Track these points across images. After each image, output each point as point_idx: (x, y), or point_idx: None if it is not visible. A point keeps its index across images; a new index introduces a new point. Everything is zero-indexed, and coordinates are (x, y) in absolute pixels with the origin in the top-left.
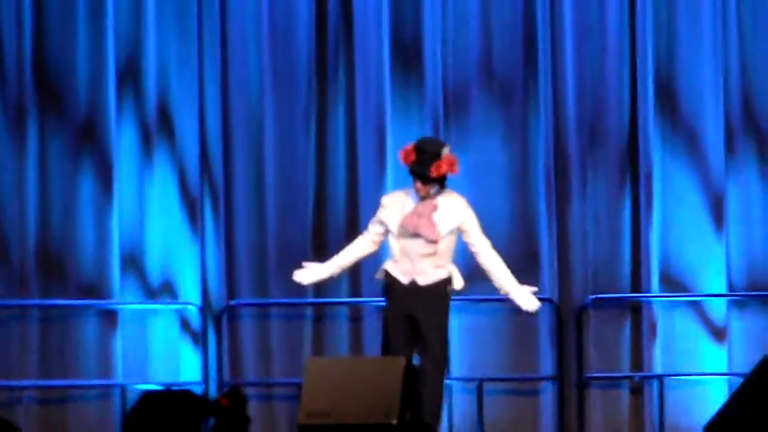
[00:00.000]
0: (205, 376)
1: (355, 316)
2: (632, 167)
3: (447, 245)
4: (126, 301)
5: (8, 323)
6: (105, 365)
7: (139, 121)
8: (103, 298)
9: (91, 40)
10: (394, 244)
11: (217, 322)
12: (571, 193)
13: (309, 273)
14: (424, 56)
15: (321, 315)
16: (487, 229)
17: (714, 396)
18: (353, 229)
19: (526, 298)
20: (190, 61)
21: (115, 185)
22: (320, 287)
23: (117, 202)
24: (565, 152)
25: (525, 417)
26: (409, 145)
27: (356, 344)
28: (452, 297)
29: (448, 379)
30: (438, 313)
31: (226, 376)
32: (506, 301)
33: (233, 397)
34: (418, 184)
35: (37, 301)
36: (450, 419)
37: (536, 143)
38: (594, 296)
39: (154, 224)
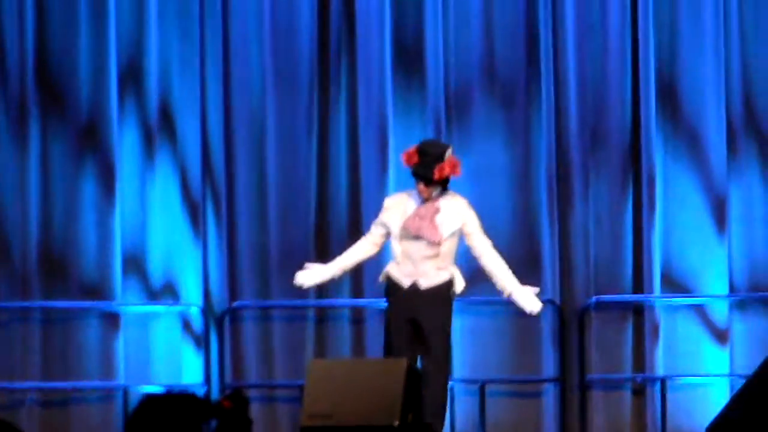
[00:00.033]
0: (207, 377)
1: (357, 318)
2: (634, 169)
3: (449, 247)
4: (128, 302)
5: (10, 325)
6: (107, 367)
7: (141, 122)
8: (105, 300)
9: (93, 41)
10: (396, 247)
11: (219, 324)
12: (573, 195)
13: (310, 275)
14: (425, 58)
15: (323, 317)
16: (489, 231)
17: (716, 398)
18: (355, 231)
19: (528, 300)
20: (191, 62)
21: (117, 187)
22: (322, 289)
23: (119, 204)
24: (567, 154)
25: (527, 419)
26: (412, 147)
27: (358, 346)
28: (454, 299)
29: (451, 380)
30: (440, 315)
31: (228, 378)
32: (508, 303)
33: (235, 399)
34: (421, 186)
35: (39, 303)
36: (452, 421)
37: (538, 145)
38: (596, 298)
39: (156, 226)
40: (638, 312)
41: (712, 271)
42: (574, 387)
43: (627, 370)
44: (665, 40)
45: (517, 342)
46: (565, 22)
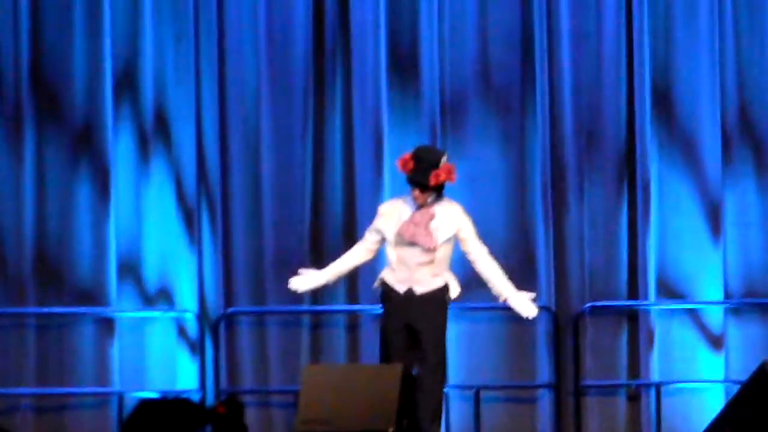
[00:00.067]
0: (202, 383)
1: (352, 324)
2: (629, 174)
3: (444, 253)
4: (123, 308)
5: (5, 331)
6: (102, 373)
7: (136, 128)
8: (100, 306)
9: (88, 47)
10: (391, 253)
11: (214, 330)
12: (568, 201)
13: (305, 280)
14: (420, 63)
15: (318, 323)
16: (484, 237)
17: (711, 403)
18: (350, 237)
19: (524, 305)
20: (186, 68)
21: (112, 192)
22: (317, 295)
23: (114, 210)
24: (562, 160)
25: (522, 425)
26: (407, 153)
27: (353, 352)
28: (449, 305)
29: (446, 386)
30: (436, 321)
31: (223, 384)
32: (503, 308)
33: (230, 404)
34: (416, 193)
35: (33, 309)
36: (447, 427)
37: (533, 151)
38: (591, 304)
39: (151, 231)
40: (633, 318)
41: (707, 276)
42: (569, 393)
43: (622, 376)
44: (660, 46)
45: (512, 348)
46: (560, 28)
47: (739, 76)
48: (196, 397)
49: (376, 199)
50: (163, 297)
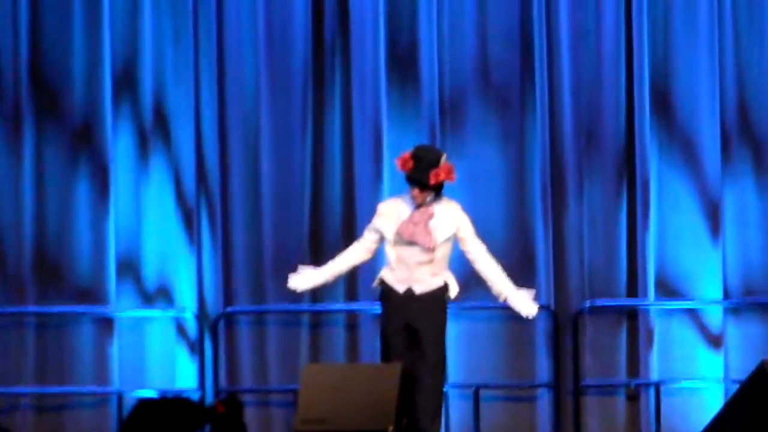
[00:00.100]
0: (202, 383)
1: (352, 323)
2: (629, 173)
3: (443, 253)
4: (122, 307)
5: (5, 330)
6: (101, 372)
7: (136, 126)
8: (100, 305)
9: (88, 45)
10: (390, 252)
11: (213, 329)
12: (567, 199)
13: (303, 279)
14: (420, 62)
15: (317, 322)
16: (484, 236)
17: (710, 403)
18: (349, 236)
19: (524, 303)
20: (186, 66)
21: (112, 191)
22: (316, 294)
23: (113, 208)
24: (561, 158)
25: (521, 424)
26: (406, 152)
27: (352, 351)
28: (449, 304)
29: (445, 385)
30: (435, 321)
31: (223, 383)
32: (503, 308)
33: (229, 404)
34: (416, 192)
35: (33, 308)
36: (447, 426)
37: (532, 149)
38: (590, 303)
39: (150, 230)
40: (632, 317)
41: (707, 275)
42: (569, 392)
43: (621, 375)
44: (659, 44)
45: (512, 347)
46: (559, 26)
47: (738, 75)
48: (195, 397)
49: (375, 198)
50: (163, 296)
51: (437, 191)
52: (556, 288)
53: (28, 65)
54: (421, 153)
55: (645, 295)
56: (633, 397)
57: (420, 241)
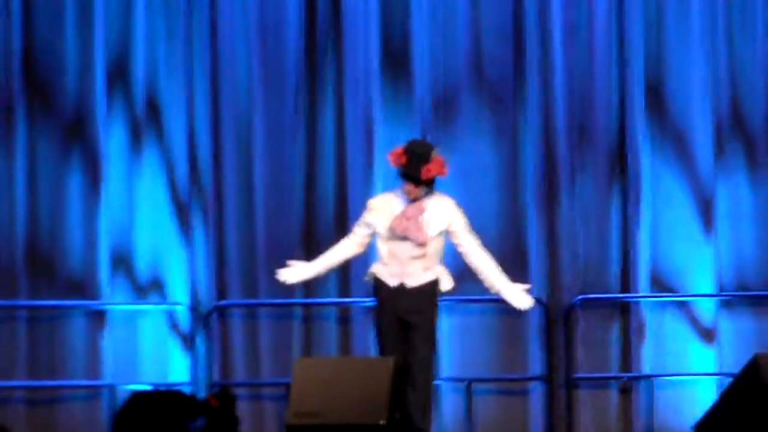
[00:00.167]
0: (194, 376)
1: (344, 317)
2: (621, 168)
3: (435, 247)
4: (115, 300)
5: None
6: (93, 365)
7: (128, 120)
8: (92, 298)
9: (80, 39)
10: (382, 247)
11: (205, 322)
12: (560, 194)
13: (294, 272)
14: (412, 57)
15: (310, 315)
16: (477, 230)
17: (703, 396)
18: (342, 230)
19: (518, 297)
20: (179, 60)
21: (104, 185)
22: (309, 288)
23: (105, 202)
24: (554, 153)
25: (514, 417)
26: (399, 147)
27: (345, 344)
28: (441, 298)
29: (438, 379)
30: (427, 314)
31: (215, 377)
32: (495, 301)
33: (222, 397)
34: (409, 187)
35: (25, 302)
36: (439, 419)
37: (525, 144)
38: (583, 296)
39: (142, 223)
40: (625, 310)
41: (699, 270)
42: (561, 385)
43: (614, 369)
44: (652, 39)
45: (504, 340)
46: (552, 22)
47: (731, 70)
48: (187, 390)
49: (367, 193)
50: (155, 289)
51: (430, 186)
52: (549, 282)
53: (20, 59)
54: (414, 148)
55: (637, 289)
56: (625, 391)
57: (412, 236)
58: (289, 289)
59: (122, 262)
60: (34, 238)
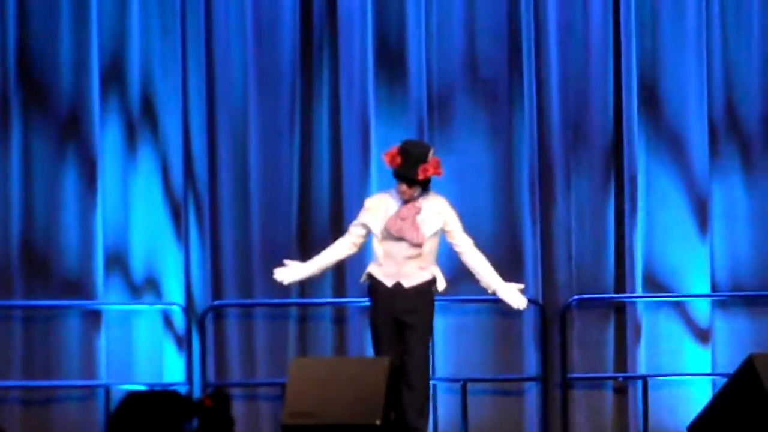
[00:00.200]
0: (189, 376)
1: (340, 317)
2: (616, 168)
3: (431, 247)
4: (110, 300)
5: None
6: (89, 365)
7: (124, 119)
8: (87, 298)
9: (75, 38)
10: (378, 247)
11: (200, 323)
12: (555, 194)
13: (289, 272)
14: (408, 57)
15: (305, 315)
16: (471, 230)
17: (698, 397)
18: (337, 230)
19: (514, 296)
20: (174, 61)
21: (99, 184)
22: (304, 288)
23: (101, 202)
24: (549, 153)
25: (509, 417)
26: (394, 148)
27: (340, 345)
28: (436, 298)
29: (433, 379)
30: (423, 315)
31: (210, 377)
32: (491, 301)
33: (217, 397)
34: (403, 187)
35: (20, 302)
36: (434, 419)
37: (520, 144)
38: (578, 297)
39: (138, 224)
40: (620, 311)
41: (694, 270)
42: (556, 385)
43: (609, 369)
44: (647, 39)
45: (499, 340)
46: (547, 21)
47: (726, 70)
48: (182, 390)
49: (363, 193)
50: (150, 289)
51: (424, 186)
52: (544, 282)
53: (15, 58)
54: (409, 148)
55: (632, 289)
56: (620, 391)
57: (408, 237)
58: (284, 290)
59: (117, 262)
60: (29, 237)
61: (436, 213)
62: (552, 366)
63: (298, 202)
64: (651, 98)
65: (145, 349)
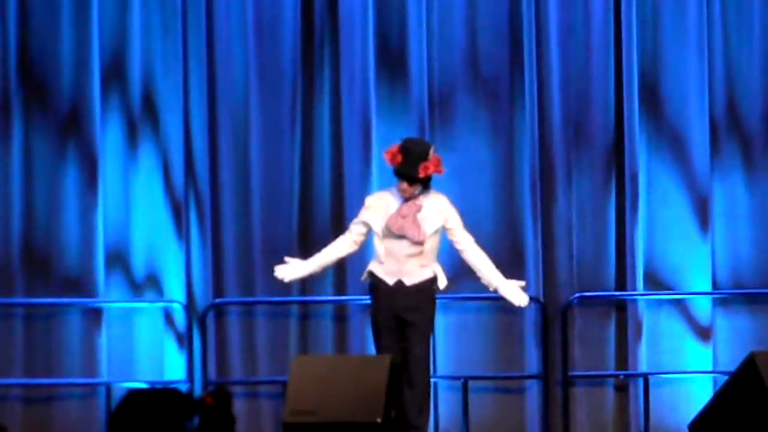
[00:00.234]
0: (190, 374)
1: (341, 315)
2: (617, 167)
3: (432, 245)
4: (111, 298)
5: None
6: (89, 363)
7: (125, 117)
8: (88, 296)
9: (76, 36)
10: (379, 245)
11: (201, 320)
12: (556, 192)
13: (290, 269)
14: (409, 56)
15: (306, 313)
16: (473, 228)
17: (699, 394)
18: (338, 228)
19: (515, 293)
20: (175, 59)
21: (100, 182)
22: (305, 286)
23: (102, 199)
24: (550, 151)
25: (510, 415)
26: (394, 146)
27: (341, 343)
28: (437, 296)
29: (434, 377)
30: (425, 312)
31: (211, 375)
32: (492, 299)
33: (218, 395)
34: (404, 185)
35: (21, 300)
36: (435, 417)
37: (522, 142)
38: (579, 294)
39: (138, 221)
40: (621, 309)
41: (695, 268)
42: (557, 383)
43: (610, 367)
44: (648, 38)
45: (501, 338)
46: (548, 20)
47: (727, 68)
48: (183, 388)
49: (364, 191)
50: (151, 287)
51: (425, 184)
52: (545, 280)
53: (16, 56)
54: (410, 146)
55: (634, 287)
56: (621, 389)
57: (409, 235)
58: (285, 287)
59: (118, 259)
60: (30, 235)
61: (437, 211)
62: (553, 364)
63: (299, 200)
64: (652, 96)
65: (146, 347)
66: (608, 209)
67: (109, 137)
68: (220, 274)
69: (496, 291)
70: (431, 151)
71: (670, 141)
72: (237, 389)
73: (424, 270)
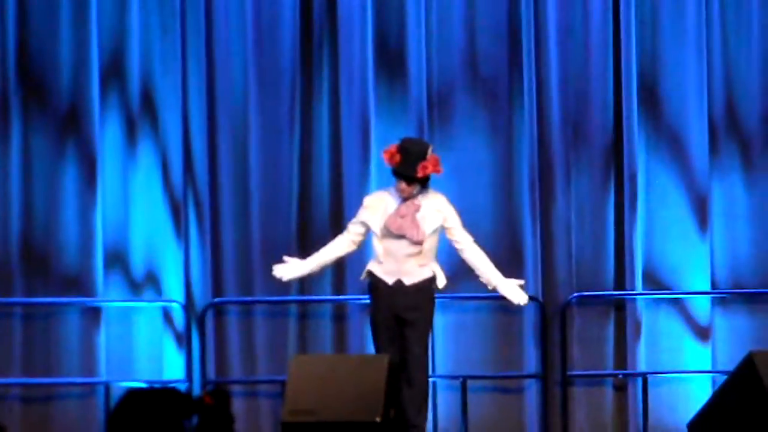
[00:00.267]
0: (189, 373)
1: (339, 314)
2: (616, 166)
3: (431, 244)
4: (110, 297)
5: None
6: (88, 363)
7: (124, 116)
8: (87, 295)
9: (75, 35)
10: (378, 245)
11: (200, 320)
12: (555, 192)
13: (289, 269)
14: (408, 55)
15: (305, 313)
16: (471, 228)
17: (698, 394)
18: (337, 228)
19: (514, 292)
20: (174, 59)
21: (99, 181)
22: (304, 285)
23: (101, 199)
24: (549, 151)
25: (509, 415)
26: (393, 146)
27: (340, 342)
28: (436, 295)
29: (432, 376)
30: (424, 312)
31: (210, 374)
32: (491, 298)
33: (217, 395)
34: (403, 185)
35: (20, 299)
36: (434, 417)
37: (520, 142)
38: (578, 294)
39: (137, 221)
40: (620, 308)
41: (694, 268)
42: (556, 383)
43: (609, 366)
44: (647, 38)
45: (499, 338)
46: (547, 20)
47: (726, 69)
48: (182, 387)
49: (363, 191)
50: (150, 286)
51: (424, 184)
52: (544, 279)
53: (15, 55)
54: (408, 146)
55: (632, 286)
56: (620, 388)
57: (408, 234)
58: (284, 287)
59: (117, 258)
60: (29, 234)
61: (436, 210)
62: (552, 363)
63: (298, 200)
64: (651, 96)
65: (145, 347)
66: (607, 209)
67: (108, 136)
68: (219, 274)
69: (495, 290)
70: (430, 151)
71: (669, 141)
72: (236, 389)
73: (423, 269)
